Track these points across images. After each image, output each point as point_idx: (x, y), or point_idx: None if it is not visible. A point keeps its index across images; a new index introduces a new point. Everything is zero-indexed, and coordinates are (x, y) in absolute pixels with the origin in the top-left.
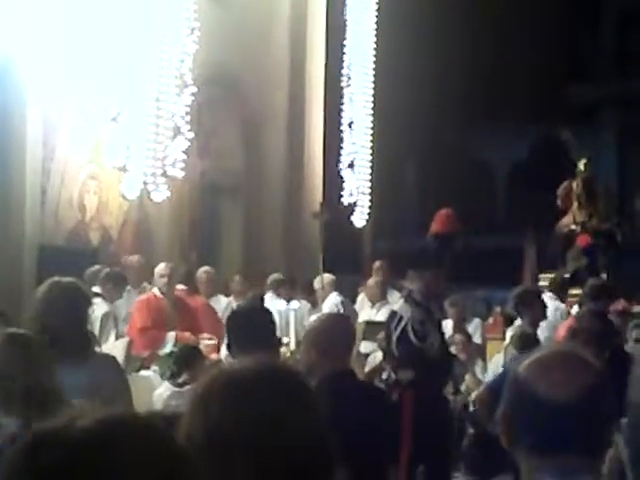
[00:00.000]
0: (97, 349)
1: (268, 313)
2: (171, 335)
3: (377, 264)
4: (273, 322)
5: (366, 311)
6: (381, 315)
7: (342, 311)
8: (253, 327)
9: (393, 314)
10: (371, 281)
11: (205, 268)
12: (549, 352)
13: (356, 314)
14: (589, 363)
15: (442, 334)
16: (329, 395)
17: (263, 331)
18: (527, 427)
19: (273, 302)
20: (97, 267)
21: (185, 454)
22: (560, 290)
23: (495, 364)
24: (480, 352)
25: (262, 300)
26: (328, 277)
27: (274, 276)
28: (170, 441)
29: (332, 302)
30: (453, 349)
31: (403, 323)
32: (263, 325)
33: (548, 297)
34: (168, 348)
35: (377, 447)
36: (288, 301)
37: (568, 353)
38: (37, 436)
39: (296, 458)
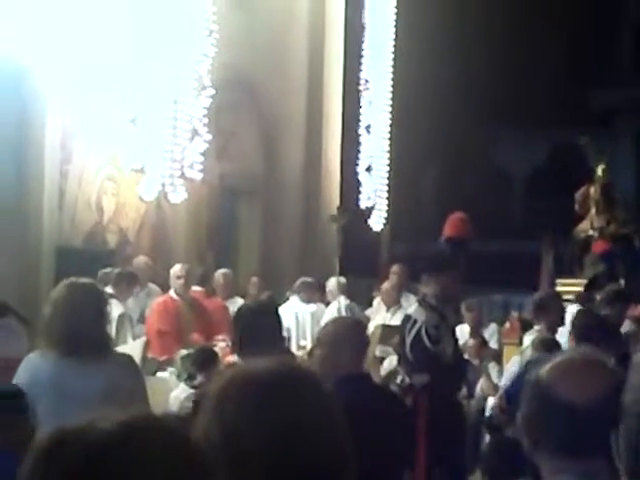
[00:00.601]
0: (115, 349)
1: (274, 313)
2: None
3: (394, 268)
4: (279, 322)
5: (381, 315)
6: (396, 319)
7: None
8: (258, 326)
9: (407, 318)
10: (386, 285)
11: (223, 270)
12: (570, 356)
13: (366, 318)
14: (609, 368)
15: (456, 339)
16: (344, 397)
17: (268, 330)
18: (550, 430)
19: (298, 305)
20: (109, 269)
21: (203, 456)
22: (587, 303)
23: (512, 370)
24: (496, 357)
25: (274, 301)
26: (336, 280)
27: (302, 279)
28: (189, 443)
29: (336, 306)
30: (466, 354)
31: (417, 327)
32: (268, 324)
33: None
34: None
35: (392, 450)
36: (308, 304)
37: (589, 358)
38: (59, 436)
39: (312, 460)
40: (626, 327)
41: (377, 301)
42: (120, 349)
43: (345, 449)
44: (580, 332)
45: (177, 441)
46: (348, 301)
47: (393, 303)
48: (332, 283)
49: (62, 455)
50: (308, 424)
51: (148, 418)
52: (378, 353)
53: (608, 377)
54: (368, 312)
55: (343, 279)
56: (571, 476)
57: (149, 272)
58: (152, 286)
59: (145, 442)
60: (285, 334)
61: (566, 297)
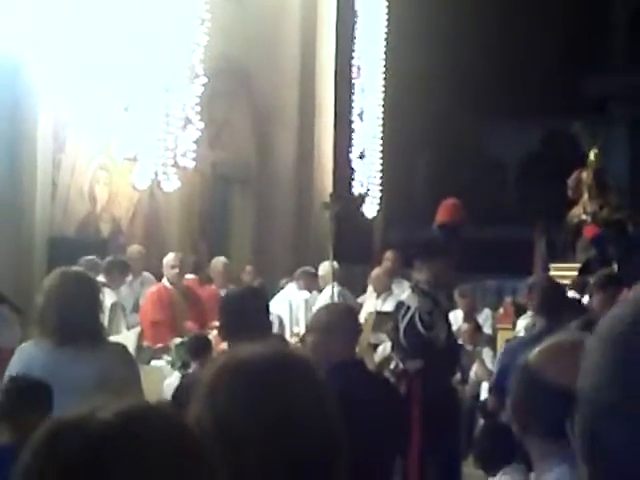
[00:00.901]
0: (109, 339)
1: (260, 297)
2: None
3: (386, 254)
4: (266, 306)
5: (372, 301)
6: (387, 305)
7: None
8: (244, 311)
9: (400, 304)
10: (376, 271)
11: (221, 258)
12: (558, 340)
13: (358, 305)
14: None
15: (449, 324)
16: (336, 384)
17: (254, 315)
18: (540, 414)
19: (292, 293)
20: (92, 257)
21: (202, 445)
22: (582, 288)
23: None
24: (490, 342)
25: (262, 287)
26: (328, 265)
27: (303, 269)
28: (187, 432)
29: (329, 293)
30: (460, 339)
31: (410, 313)
32: (254, 309)
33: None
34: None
35: (385, 436)
36: (310, 291)
37: (577, 341)
38: (57, 426)
39: (304, 446)
40: None
41: (371, 288)
42: (114, 338)
43: (338, 436)
44: (544, 303)
45: (176, 430)
46: (340, 287)
47: (384, 289)
48: (324, 268)
49: (60, 447)
50: (300, 411)
51: (146, 407)
52: (372, 340)
53: None
54: (361, 299)
55: (336, 264)
56: (561, 460)
57: (143, 261)
58: (146, 274)
59: (144, 432)
60: (276, 320)
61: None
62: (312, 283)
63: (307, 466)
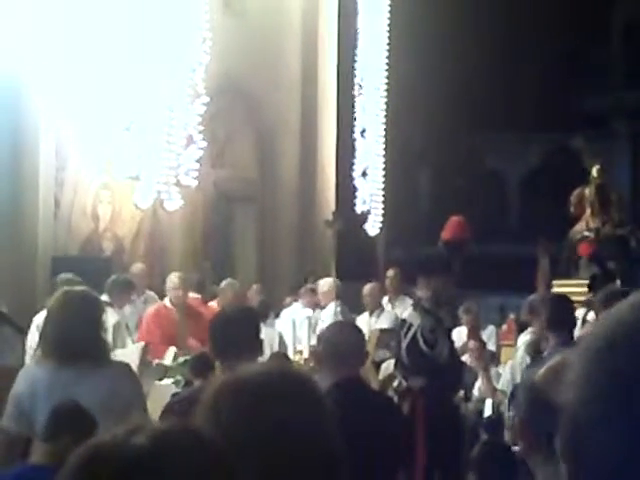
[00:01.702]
0: (112, 357)
1: (252, 317)
2: (172, 350)
3: (388, 272)
4: (254, 328)
5: (365, 319)
6: (380, 323)
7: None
8: (232, 331)
9: (402, 322)
10: (367, 288)
11: (230, 281)
12: (564, 358)
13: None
14: None
15: (452, 342)
16: (337, 402)
17: (241, 337)
18: (546, 434)
19: (297, 310)
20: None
21: (235, 468)
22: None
23: (507, 371)
24: (494, 359)
25: (267, 307)
26: (331, 282)
27: (306, 286)
28: (221, 455)
29: (332, 310)
30: (467, 356)
31: (412, 331)
32: (243, 330)
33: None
34: (167, 361)
35: (386, 455)
36: (313, 309)
37: None
38: (93, 450)
39: (304, 464)
40: None
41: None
42: (118, 353)
43: (336, 454)
44: (552, 319)
45: (208, 453)
46: (340, 305)
47: (375, 306)
48: (326, 285)
49: (95, 472)
50: (302, 429)
51: (179, 430)
52: (376, 358)
53: None
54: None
55: (338, 281)
56: None
57: (146, 279)
58: (149, 293)
59: (177, 456)
60: (276, 338)
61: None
62: (315, 300)
63: (306, 479)
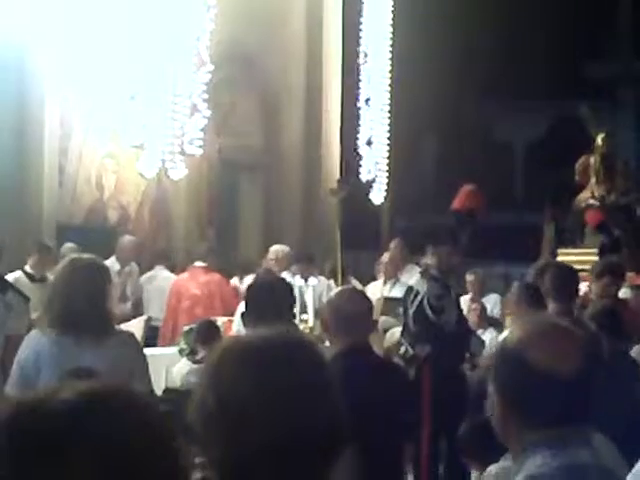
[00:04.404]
0: (117, 327)
1: (287, 286)
2: None
3: (393, 242)
4: (292, 295)
5: (378, 287)
6: (395, 292)
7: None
8: (271, 299)
9: (409, 289)
10: (384, 258)
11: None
12: (540, 323)
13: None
14: (577, 334)
15: (460, 310)
16: (344, 369)
17: (279, 303)
18: (526, 402)
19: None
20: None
21: (167, 432)
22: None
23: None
24: (498, 327)
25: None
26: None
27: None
28: (152, 417)
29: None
30: (469, 317)
31: (419, 298)
32: (280, 298)
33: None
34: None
35: (393, 422)
36: (306, 279)
37: (558, 324)
38: (18, 407)
39: (305, 430)
40: (624, 294)
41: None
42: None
43: (340, 417)
44: (560, 288)
45: (138, 411)
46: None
47: (391, 276)
48: (280, 253)
49: (20, 426)
50: (303, 393)
51: (112, 392)
52: (380, 325)
53: (580, 344)
54: (370, 286)
55: (287, 248)
56: (543, 447)
57: (134, 251)
58: (134, 265)
59: (105, 414)
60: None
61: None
62: (307, 269)
63: (307, 448)
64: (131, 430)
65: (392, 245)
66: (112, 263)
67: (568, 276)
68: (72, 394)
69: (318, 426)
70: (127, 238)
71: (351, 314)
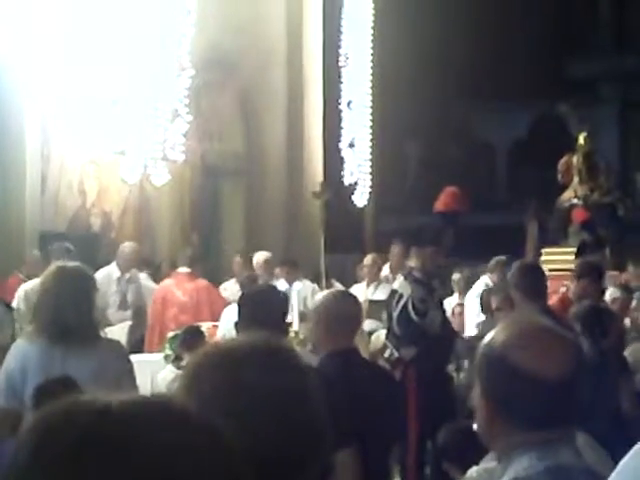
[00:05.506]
0: (103, 335)
1: (282, 295)
2: None
3: (394, 247)
4: (287, 304)
5: (362, 291)
6: (378, 295)
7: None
8: (263, 307)
9: (393, 292)
10: (366, 261)
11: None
12: (526, 325)
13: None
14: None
15: (444, 311)
16: (332, 372)
17: (274, 312)
18: (511, 404)
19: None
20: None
21: (209, 441)
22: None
23: None
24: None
25: (255, 280)
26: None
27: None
28: (190, 419)
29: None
30: (451, 317)
31: (403, 301)
32: (275, 307)
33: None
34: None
35: (383, 423)
36: (290, 283)
37: (543, 325)
38: (47, 417)
39: (285, 436)
40: (613, 294)
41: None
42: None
43: (321, 421)
44: (529, 288)
45: (176, 419)
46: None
47: (373, 278)
48: (261, 257)
49: (51, 438)
50: (282, 397)
51: (157, 403)
52: (366, 328)
53: (568, 346)
54: (356, 287)
55: (268, 254)
56: (528, 449)
57: (134, 258)
58: (134, 272)
59: (142, 427)
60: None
61: (552, 267)
62: (293, 275)
63: (288, 451)
64: (172, 452)
65: (394, 250)
66: (112, 270)
67: (539, 274)
68: (113, 402)
69: (298, 432)
70: (128, 245)
71: (345, 316)
